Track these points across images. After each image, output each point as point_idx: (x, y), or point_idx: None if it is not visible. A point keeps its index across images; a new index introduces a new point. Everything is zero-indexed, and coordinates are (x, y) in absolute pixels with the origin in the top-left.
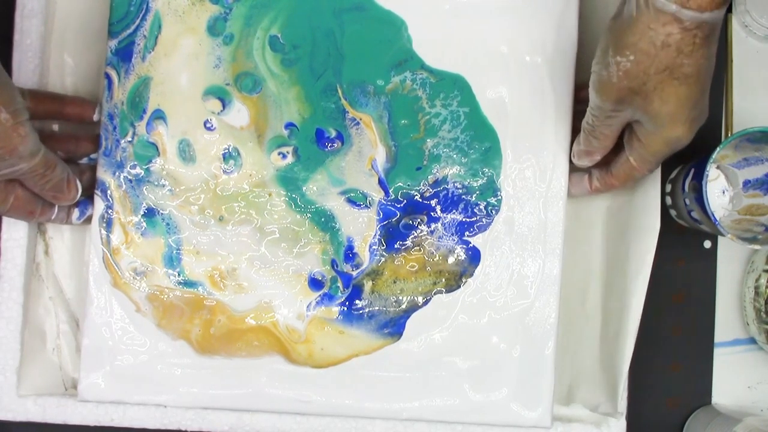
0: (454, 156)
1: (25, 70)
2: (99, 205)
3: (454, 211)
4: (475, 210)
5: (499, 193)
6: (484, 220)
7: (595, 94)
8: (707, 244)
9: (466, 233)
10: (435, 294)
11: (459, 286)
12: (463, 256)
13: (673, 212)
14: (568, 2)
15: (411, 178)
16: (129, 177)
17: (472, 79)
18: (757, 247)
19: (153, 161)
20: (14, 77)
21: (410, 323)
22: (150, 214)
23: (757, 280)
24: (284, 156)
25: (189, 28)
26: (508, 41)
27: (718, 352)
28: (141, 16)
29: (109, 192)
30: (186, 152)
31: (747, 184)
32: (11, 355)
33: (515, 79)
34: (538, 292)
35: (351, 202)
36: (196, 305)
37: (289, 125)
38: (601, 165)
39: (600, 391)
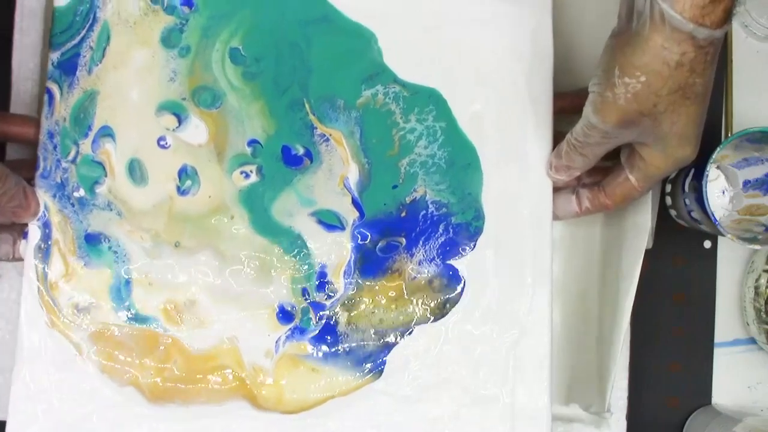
0: (432, 174)
1: (24, 70)
2: (34, 233)
3: (434, 233)
4: (457, 231)
5: (481, 213)
6: (467, 242)
7: (594, 115)
8: (707, 244)
9: (449, 257)
10: (417, 324)
11: (443, 315)
12: (446, 282)
13: (673, 212)
14: (542, 14)
15: (387, 197)
16: (71, 200)
17: (447, 93)
18: (757, 247)
19: (99, 182)
20: (14, 77)
21: (391, 358)
22: (95, 241)
23: (757, 280)
24: (247, 175)
25: (141, 40)
26: (484, 54)
27: (718, 352)
28: (87, 26)
29: (47, 218)
30: (137, 172)
31: (747, 184)
32: None
33: (492, 93)
34: (529, 320)
35: (322, 223)
36: (148, 344)
37: (253, 142)
38: (588, 184)
39: (593, 391)
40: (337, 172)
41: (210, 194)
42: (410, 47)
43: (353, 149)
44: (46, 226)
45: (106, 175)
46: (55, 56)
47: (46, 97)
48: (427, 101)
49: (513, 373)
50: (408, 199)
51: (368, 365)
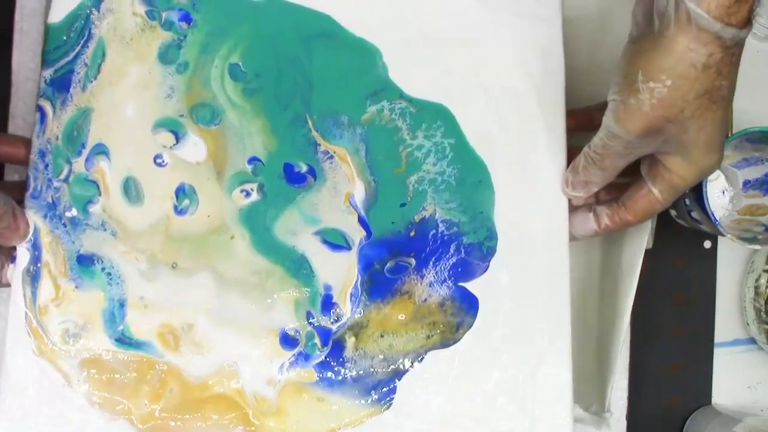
0: (442, 192)
1: (25, 70)
2: (23, 256)
3: (445, 253)
4: (469, 252)
5: (494, 233)
6: (479, 263)
7: (616, 125)
8: (707, 244)
9: (461, 279)
10: (429, 350)
11: (456, 341)
12: (458, 305)
13: (673, 212)
14: (551, 30)
15: (395, 216)
16: (63, 221)
17: (455, 108)
18: (757, 247)
19: (93, 202)
20: (14, 77)
21: (402, 386)
22: (87, 262)
23: (757, 280)
24: (248, 193)
25: (138, 56)
26: (492, 69)
27: (718, 352)
28: (82, 42)
29: (37, 239)
30: (132, 191)
31: (747, 184)
32: None
33: (502, 109)
34: (548, 347)
35: (327, 243)
36: (142, 371)
37: (253, 159)
38: (605, 200)
39: (593, 391)
40: (342, 190)
41: (209, 213)
42: (416, 63)
43: (358, 167)
44: (35, 248)
45: (100, 194)
46: (47, 73)
47: (38, 115)
48: (435, 117)
49: (532, 405)
50: (417, 218)
51: (377, 394)
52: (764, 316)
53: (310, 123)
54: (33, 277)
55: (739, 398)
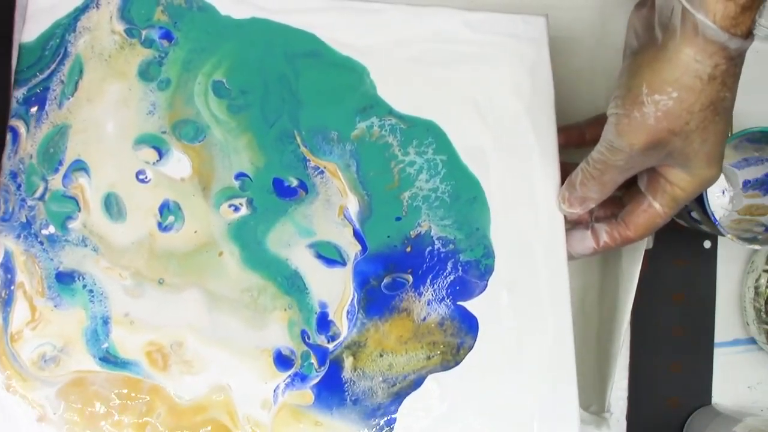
0: (436, 208)
1: None
2: None
3: (442, 270)
4: (466, 270)
5: (491, 250)
6: (477, 281)
7: (619, 139)
8: (707, 244)
9: (460, 297)
10: (430, 373)
11: (457, 363)
12: (458, 325)
13: None
14: (539, 49)
15: (391, 230)
16: (39, 238)
17: (446, 126)
18: (757, 247)
19: (72, 218)
20: (14, 77)
21: (404, 410)
22: (67, 280)
23: (757, 280)
24: (236, 208)
25: (117, 72)
26: (481, 88)
27: (718, 352)
28: (58, 60)
29: (9, 261)
30: (114, 207)
31: (747, 184)
32: None
33: (494, 127)
34: (552, 368)
35: (322, 258)
36: (128, 394)
37: (241, 175)
38: (602, 217)
39: (593, 391)
40: (336, 203)
41: (196, 229)
42: (405, 81)
43: (350, 182)
44: (7, 270)
45: (79, 210)
46: (20, 93)
47: (9, 136)
48: (426, 133)
49: (538, 428)
50: (413, 233)
51: (378, 420)
52: (764, 316)
53: (298, 139)
54: (5, 302)
55: (739, 398)
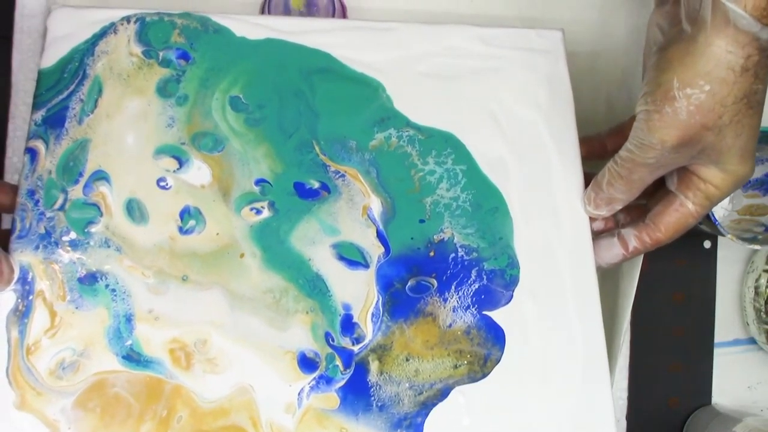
0: (458, 217)
1: (25, 70)
2: (7, 301)
3: (467, 278)
4: (491, 278)
5: (515, 261)
6: (503, 291)
7: (650, 135)
8: (707, 244)
9: (485, 307)
10: (457, 384)
11: (485, 375)
12: (484, 335)
13: None
14: (556, 61)
15: (415, 231)
16: (60, 246)
17: (464, 137)
18: (757, 247)
19: (94, 222)
20: (14, 77)
21: (430, 424)
22: (90, 281)
23: (757, 280)
24: (258, 211)
25: (136, 90)
26: (498, 99)
27: (718, 352)
28: (77, 81)
29: (27, 275)
30: (136, 212)
31: (747, 184)
32: None
33: (513, 138)
34: (585, 383)
35: (344, 260)
36: (150, 396)
37: (261, 181)
38: (627, 223)
39: None
40: (359, 202)
41: (217, 231)
42: (421, 95)
43: (372, 185)
44: (25, 283)
45: (101, 215)
46: (38, 115)
47: (26, 158)
48: (445, 144)
49: None
50: (436, 238)
51: (404, 430)
52: (764, 316)
53: (317, 148)
54: (22, 314)
55: (739, 398)
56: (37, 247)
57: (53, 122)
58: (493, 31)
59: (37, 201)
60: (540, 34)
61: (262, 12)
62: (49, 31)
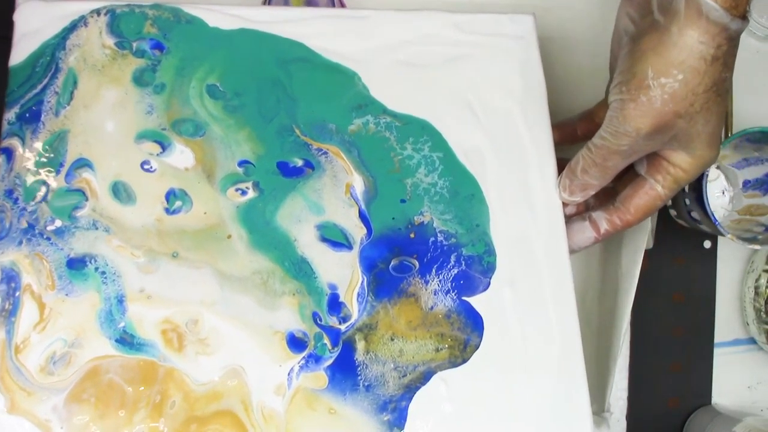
0: (437, 203)
1: None
2: None
3: (446, 263)
4: (469, 264)
5: (492, 248)
6: (481, 277)
7: (624, 124)
8: (707, 244)
9: (464, 292)
10: (439, 368)
11: (465, 360)
12: (464, 320)
13: (673, 212)
14: (528, 46)
15: (396, 211)
16: (45, 236)
17: (440, 125)
18: (757, 247)
19: (79, 207)
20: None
21: (413, 409)
22: (79, 265)
23: (757, 280)
24: (244, 192)
25: (112, 79)
26: (472, 87)
27: (718, 352)
28: (50, 75)
29: (13, 271)
30: (122, 193)
31: (747, 184)
32: None
33: (487, 125)
34: (561, 367)
35: (327, 241)
36: (144, 380)
37: (244, 162)
38: (596, 206)
39: (593, 391)
40: (343, 180)
41: (205, 211)
42: (396, 83)
43: (354, 163)
44: (10, 280)
45: (86, 200)
46: (12, 112)
47: (2, 158)
48: (421, 132)
49: (553, 427)
50: (417, 220)
51: (389, 414)
52: (764, 316)
53: (297, 131)
54: (9, 313)
55: (739, 398)
56: (20, 243)
57: (29, 118)
58: (466, 16)
59: (17, 199)
60: (512, 19)
61: None
62: (17, 27)
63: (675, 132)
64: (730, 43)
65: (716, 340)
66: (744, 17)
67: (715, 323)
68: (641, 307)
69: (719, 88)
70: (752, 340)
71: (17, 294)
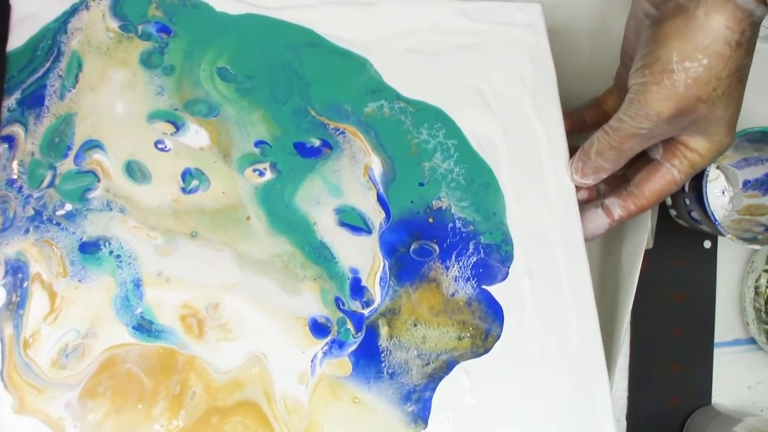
0: (454, 189)
1: None
2: None
3: (465, 249)
4: (488, 253)
5: (509, 237)
6: (499, 266)
7: (646, 107)
8: (707, 244)
9: (484, 281)
10: (462, 357)
11: (486, 350)
12: (485, 309)
13: (673, 212)
14: (537, 34)
15: (414, 195)
16: (54, 221)
17: (453, 113)
18: (757, 247)
19: (92, 189)
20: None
21: (437, 401)
22: (92, 249)
23: (757, 280)
24: (261, 173)
25: (119, 61)
26: (483, 76)
27: (718, 352)
28: (52, 58)
29: (20, 261)
30: (136, 172)
31: (747, 184)
32: None
33: (499, 113)
34: (581, 360)
35: (346, 225)
36: (164, 370)
37: (260, 143)
38: (607, 191)
39: None
40: (361, 161)
41: (223, 190)
42: (407, 70)
43: (372, 144)
44: (17, 270)
45: (99, 181)
46: (13, 98)
47: (3, 147)
48: (435, 118)
49: (574, 420)
50: (435, 205)
51: (413, 405)
52: (764, 316)
53: (312, 112)
54: (17, 306)
55: (739, 398)
56: (26, 231)
57: (31, 102)
58: (473, 4)
59: (21, 187)
60: (520, 7)
61: None
62: (14, 11)
63: (695, 117)
64: (753, 30)
65: (716, 340)
66: (767, 4)
67: (715, 323)
68: (641, 307)
69: (741, 74)
70: (752, 340)
71: (25, 285)
